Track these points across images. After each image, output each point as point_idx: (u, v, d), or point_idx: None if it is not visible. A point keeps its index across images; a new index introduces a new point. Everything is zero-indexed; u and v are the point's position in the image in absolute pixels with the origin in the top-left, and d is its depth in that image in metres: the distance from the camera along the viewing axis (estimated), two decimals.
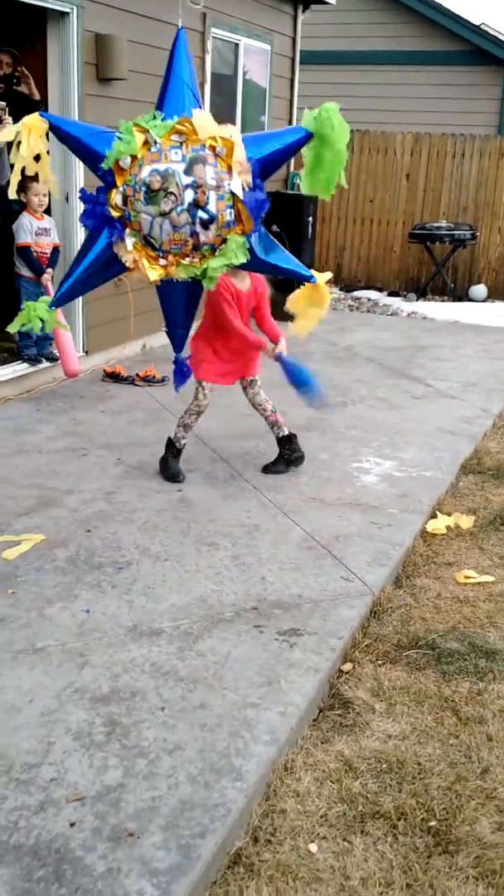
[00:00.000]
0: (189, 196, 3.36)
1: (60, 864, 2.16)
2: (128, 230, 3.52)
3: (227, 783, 2.45)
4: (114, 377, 6.53)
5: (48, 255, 6.11)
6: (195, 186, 3.35)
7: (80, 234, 6.35)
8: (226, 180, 3.43)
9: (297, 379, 4.67)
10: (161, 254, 3.52)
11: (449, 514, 4.50)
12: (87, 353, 6.72)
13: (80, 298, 6.51)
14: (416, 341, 8.65)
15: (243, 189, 3.53)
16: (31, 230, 6.01)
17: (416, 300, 10.96)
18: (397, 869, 2.29)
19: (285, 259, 3.96)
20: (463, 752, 2.75)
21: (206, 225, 3.44)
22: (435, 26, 12.44)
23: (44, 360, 6.24)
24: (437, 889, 2.24)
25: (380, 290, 11.55)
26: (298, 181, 11.00)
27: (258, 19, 8.76)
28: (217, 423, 5.57)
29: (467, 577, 3.88)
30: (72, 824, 2.29)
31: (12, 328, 3.90)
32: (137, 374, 6.53)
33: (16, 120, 3.76)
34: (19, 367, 6.10)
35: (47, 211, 6.21)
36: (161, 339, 7.72)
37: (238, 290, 4.47)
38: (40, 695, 2.81)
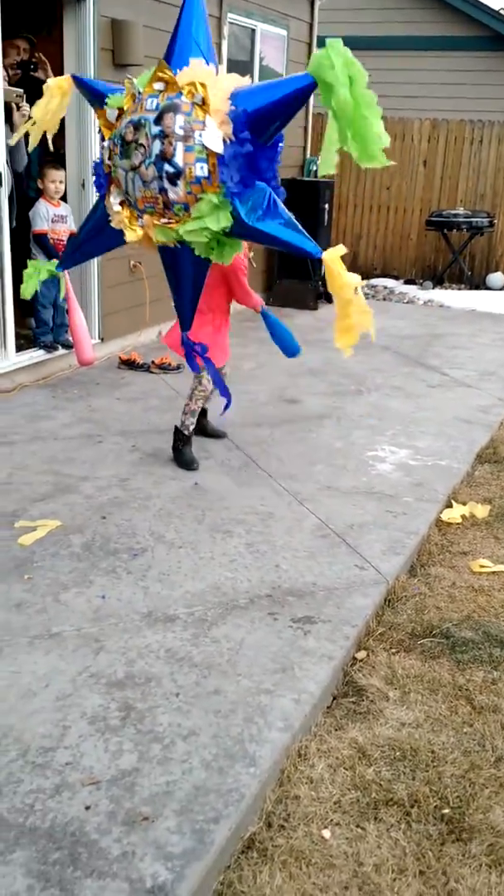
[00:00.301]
0: (156, 147, 3.01)
1: (76, 847, 2.18)
2: (113, 187, 3.28)
3: (240, 769, 2.46)
4: (129, 364, 6.54)
5: (65, 242, 6.11)
6: (162, 136, 3.01)
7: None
8: (197, 130, 3.04)
9: (280, 333, 4.59)
10: (139, 213, 3.24)
11: (464, 504, 4.48)
12: (102, 340, 6.72)
13: (96, 285, 6.53)
14: (433, 329, 8.61)
15: (225, 142, 3.09)
16: (48, 217, 6.02)
17: (433, 288, 10.90)
18: (410, 856, 2.30)
19: (285, 230, 3.41)
20: (477, 741, 2.75)
21: (172, 180, 3.08)
22: (453, 11, 12.31)
23: (60, 346, 6.26)
24: (450, 876, 2.24)
25: (396, 278, 11.49)
26: (315, 167, 10.89)
27: (275, 4, 8.70)
28: (232, 411, 5.55)
29: (482, 567, 3.87)
30: (87, 808, 2.31)
31: (25, 292, 3.82)
32: (153, 362, 6.53)
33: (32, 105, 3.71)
34: (35, 354, 6.11)
35: (64, 198, 6.20)
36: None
37: (241, 259, 4.48)
38: (56, 679, 2.83)
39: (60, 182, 6.05)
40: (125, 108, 3.16)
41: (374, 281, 11.31)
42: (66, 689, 2.78)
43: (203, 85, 3.07)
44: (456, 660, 3.17)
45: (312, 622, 3.23)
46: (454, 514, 4.38)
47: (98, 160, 3.42)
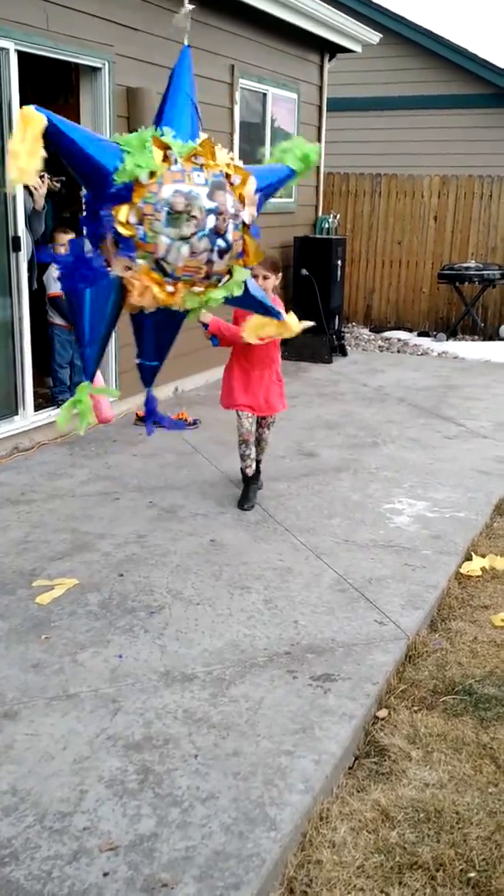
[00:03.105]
0: (210, 222, 3.15)
1: None
2: (139, 251, 3.20)
3: (261, 833, 2.42)
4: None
5: None
6: (217, 213, 3.15)
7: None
8: (241, 210, 3.26)
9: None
10: (171, 279, 3.24)
11: (483, 556, 4.45)
12: (119, 397, 6.78)
13: (113, 343, 6.61)
14: (447, 381, 8.63)
15: (252, 222, 3.39)
16: None
17: (447, 340, 10.96)
18: None
19: (263, 297, 3.89)
20: (502, 801, 2.68)
21: (221, 254, 3.25)
22: (460, 70, 12.59)
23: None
24: None
25: (409, 330, 11.57)
26: (327, 225, 11.08)
27: (285, 69, 8.94)
28: None
29: None
30: (105, 874, 2.27)
31: (60, 424, 3.50)
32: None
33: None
34: (54, 413, 6.17)
35: None
36: (193, 383, 7.80)
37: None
38: (73, 742, 2.80)
39: None
40: (159, 172, 3.13)
41: (387, 333, 11.39)
42: (84, 751, 2.75)
43: (237, 168, 3.29)
44: (479, 717, 3.12)
45: (332, 680, 3.19)
46: (474, 566, 4.34)
47: (102, 224, 3.22)
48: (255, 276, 4.53)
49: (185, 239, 3.13)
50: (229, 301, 3.55)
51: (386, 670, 3.30)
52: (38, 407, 6.07)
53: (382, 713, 3.12)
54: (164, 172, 3.12)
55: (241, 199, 3.29)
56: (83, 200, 3.41)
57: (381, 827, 2.55)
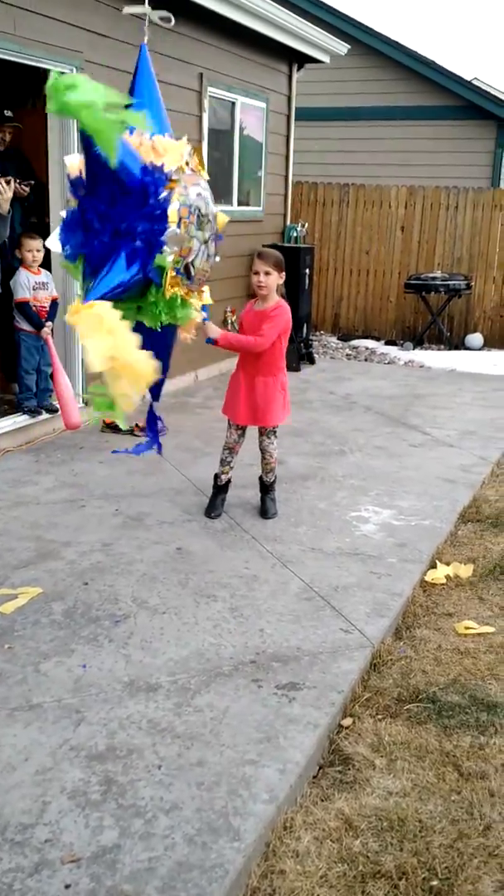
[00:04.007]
0: (213, 228, 3.14)
1: None
2: (172, 256, 2.99)
3: (224, 843, 2.41)
4: (113, 428, 6.55)
5: (47, 309, 6.18)
6: (214, 218, 3.16)
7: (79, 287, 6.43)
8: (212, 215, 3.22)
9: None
10: (190, 283, 3.09)
11: (448, 564, 4.48)
12: (86, 404, 6.74)
13: (80, 349, 6.58)
14: (414, 389, 8.70)
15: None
16: (29, 285, 6.09)
17: (413, 349, 11.06)
18: None
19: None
20: (465, 809, 2.70)
21: (211, 258, 3.24)
22: (428, 82, 12.74)
23: (43, 411, 6.28)
24: None
25: (377, 339, 11.65)
26: (295, 234, 11.10)
27: (254, 78, 8.97)
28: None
29: (467, 628, 3.86)
30: (67, 886, 2.24)
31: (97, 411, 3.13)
32: (137, 425, 6.55)
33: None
34: (19, 419, 6.13)
35: (46, 265, 6.29)
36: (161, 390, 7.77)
37: (256, 312, 4.68)
38: (35, 753, 2.77)
39: (38, 251, 6.14)
40: (180, 176, 2.98)
41: (355, 342, 11.46)
42: (46, 762, 2.72)
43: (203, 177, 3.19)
44: (443, 725, 3.14)
45: (297, 689, 3.20)
46: (438, 574, 4.37)
47: (156, 213, 2.93)
48: (255, 273, 4.54)
49: (206, 242, 3.08)
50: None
51: (351, 679, 3.31)
52: (3, 413, 6.01)
53: (347, 722, 3.13)
54: (182, 175, 2.98)
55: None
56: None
57: (345, 836, 2.56)
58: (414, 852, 2.50)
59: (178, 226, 2.90)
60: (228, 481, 4.99)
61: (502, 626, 3.90)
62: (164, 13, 3.44)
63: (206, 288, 3.38)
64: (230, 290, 9.10)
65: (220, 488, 4.97)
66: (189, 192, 2.95)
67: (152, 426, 3.82)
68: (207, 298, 3.42)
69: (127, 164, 2.87)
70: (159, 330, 3.14)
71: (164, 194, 2.90)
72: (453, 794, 2.77)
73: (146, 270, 2.96)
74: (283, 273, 4.66)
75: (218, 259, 3.34)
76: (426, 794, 2.76)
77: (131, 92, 3.21)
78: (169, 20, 3.44)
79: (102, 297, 2.89)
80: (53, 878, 2.27)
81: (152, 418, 3.83)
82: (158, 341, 3.20)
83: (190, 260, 3.01)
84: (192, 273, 3.07)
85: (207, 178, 3.24)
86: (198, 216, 2.96)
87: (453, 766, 2.91)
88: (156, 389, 3.65)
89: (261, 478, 5.03)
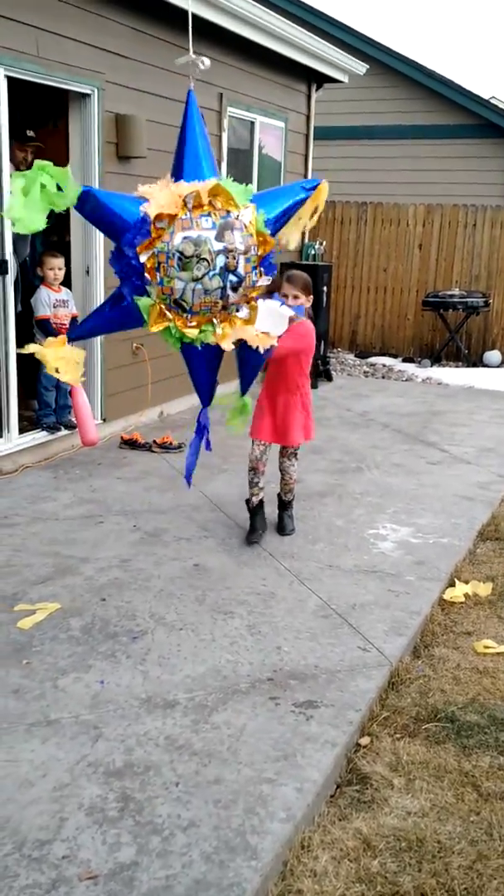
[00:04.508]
0: (220, 261, 3.41)
1: None
2: (155, 294, 3.49)
3: (242, 862, 2.40)
4: (131, 444, 6.59)
5: (67, 326, 6.23)
6: (226, 252, 3.41)
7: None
8: (252, 244, 3.50)
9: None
10: (190, 315, 3.52)
11: (467, 582, 4.46)
12: (104, 420, 6.79)
13: (99, 367, 6.63)
14: (431, 407, 8.69)
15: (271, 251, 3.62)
16: (49, 303, 6.15)
17: (431, 366, 11.04)
18: None
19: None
20: (484, 830, 2.68)
21: (235, 288, 3.50)
22: (445, 101, 12.79)
23: (62, 427, 6.32)
24: None
25: (394, 356, 11.65)
26: (313, 252, 11.14)
27: (273, 98, 9.05)
28: (233, 489, 5.59)
29: (486, 647, 3.83)
30: None
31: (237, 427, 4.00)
32: (154, 441, 6.58)
33: None
34: (38, 436, 6.17)
35: (67, 283, 6.35)
36: (178, 406, 7.81)
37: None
38: (53, 768, 2.77)
39: (60, 269, 6.20)
40: (175, 217, 3.38)
41: (372, 359, 11.47)
42: (64, 778, 2.73)
43: (247, 208, 3.48)
44: (461, 745, 3.11)
45: (315, 707, 3.19)
46: (457, 592, 4.35)
47: (132, 263, 3.46)
48: (284, 296, 4.56)
49: (197, 279, 3.38)
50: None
51: (369, 697, 3.29)
52: (22, 430, 6.06)
53: (365, 741, 3.11)
54: (175, 222, 3.37)
55: (258, 235, 3.51)
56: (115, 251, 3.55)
57: (363, 856, 2.54)
58: (433, 873, 2.48)
59: (158, 270, 3.40)
60: (261, 502, 4.90)
61: None
62: (206, 60, 3.72)
63: (243, 311, 3.60)
64: None
65: (255, 511, 4.86)
66: (174, 238, 3.35)
67: (200, 429, 4.10)
68: (247, 333, 3.63)
69: (125, 218, 3.38)
70: (199, 348, 3.62)
71: (142, 244, 3.38)
72: (472, 815, 2.74)
73: (129, 310, 3.56)
74: (311, 296, 4.67)
75: (263, 280, 3.60)
76: (445, 815, 2.74)
77: (181, 137, 3.56)
78: (204, 63, 3.74)
79: (78, 337, 3.81)
80: (71, 894, 2.27)
81: (201, 422, 4.09)
82: (199, 356, 3.73)
83: (177, 297, 3.44)
84: (188, 306, 3.45)
85: (227, 210, 3.44)
86: (178, 259, 3.36)
87: (472, 786, 2.88)
88: (205, 396, 4.01)
89: (279, 494, 5.03)
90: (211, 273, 3.39)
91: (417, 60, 12.86)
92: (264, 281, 3.59)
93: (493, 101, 13.35)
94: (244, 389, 4.07)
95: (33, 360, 6.43)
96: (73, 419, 6.02)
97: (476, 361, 11.26)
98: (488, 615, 4.17)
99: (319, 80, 9.91)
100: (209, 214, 3.41)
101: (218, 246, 3.37)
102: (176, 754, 2.86)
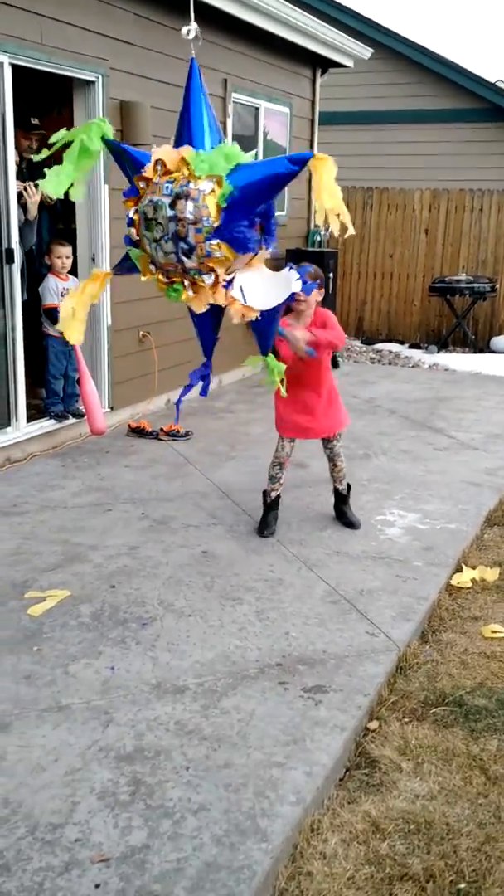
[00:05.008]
0: (171, 228, 3.47)
1: None
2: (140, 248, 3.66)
3: (252, 844, 2.43)
4: (138, 432, 6.60)
5: None
6: (176, 220, 3.45)
7: (107, 293, 6.50)
8: (205, 216, 3.46)
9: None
10: (163, 273, 3.62)
11: (474, 568, 4.47)
12: (112, 408, 6.80)
13: (106, 355, 6.64)
14: (438, 393, 8.68)
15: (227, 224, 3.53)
16: (57, 291, 6.15)
17: (438, 352, 11.02)
18: None
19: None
20: (492, 812, 2.70)
21: (187, 254, 3.52)
22: (451, 85, 12.70)
23: (70, 416, 6.33)
24: None
25: (401, 342, 11.63)
26: (319, 238, 11.07)
27: (277, 83, 9.00)
28: (241, 476, 5.60)
29: (494, 632, 3.85)
30: (97, 886, 2.27)
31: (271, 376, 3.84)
32: (162, 429, 6.60)
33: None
34: (46, 424, 6.19)
35: (73, 272, 6.35)
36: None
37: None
38: (65, 753, 2.80)
39: (67, 257, 6.21)
40: (151, 180, 3.50)
41: (379, 345, 11.45)
42: (76, 763, 2.76)
43: (209, 179, 3.44)
44: (469, 728, 3.13)
45: (324, 691, 3.21)
46: (464, 578, 4.36)
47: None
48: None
49: (156, 241, 3.48)
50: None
51: (377, 682, 3.31)
52: (30, 418, 6.07)
53: (373, 725, 3.13)
54: (150, 184, 3.46)
55: (216, 208, 3.45)
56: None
57: (372, 838, 2.56)
58: (441, 855, 2.50)
59: (134, 226, 3.51)
60: (278, 497, 4.86)
61: None
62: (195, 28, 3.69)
63: (209, 278, 3.58)
64: None
65: (271, 505, 4.82)
66: (143, 199, 3.48)
67: (198, 373, 4.02)
68: (218, 299, 3.59)
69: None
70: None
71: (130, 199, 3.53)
72: (480, 798, 2.77)
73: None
74: (323, 289, 4.60)
75: (269, 250, 3.62)
76: (453, 798, 2.76)
77: (185, 105, 3.60)
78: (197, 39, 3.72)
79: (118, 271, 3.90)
80: (83, 877, 2.30)
81: (204, 367, 4.02)
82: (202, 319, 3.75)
83: (150, 254, 3.55)
84: (158, 264, 3.55)
85: (187, 179, 3.43)
86: (144, 219, 3.48)
87: (480, 769, 2.90)
88: (206, 350, 3.96)
89: (337, 490, 4.96)
90: (165, 237, 3.46)
91: (423, 44, 12.77)
92: (221, 252, 3.51)
93: (499, 83, 13.25)
94: (263, 352, 3.99)
95: (41, 348, 6.46)
96: (81, 407, 6.04)
97: (483, 347, 11.22)
98: (496, 600, 4.18)
99: (324, 65, 9.85)
100: (172, 182, 3.46)
101: (171, 213, 3.42)
102: (186, 739, 2.89)
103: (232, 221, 3.52)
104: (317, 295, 4.55)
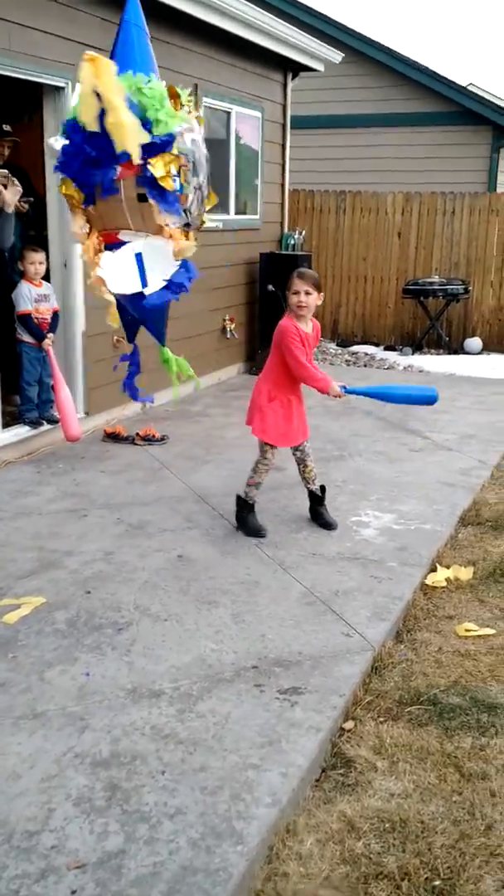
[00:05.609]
0: (206, 168, 3.13)
1: None
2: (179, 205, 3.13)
3: (228, 847, 2.43)
4: (114, 437, 6.59)
5: (49, 321, 6.22)
6: (208, 159, 3.16)
7: (80, 299, 6.49)
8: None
9: (395, 397, 4.86)
10: (188, 229, 3.18)
11: (448, 567, 4.51)
12: (87, 414, 6.79)
13: (81, 361, 6.63)
14: None
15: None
16: (31, 298, 6.14)
17: (412, 354, 11.09)
18: None
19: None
20: (466, 810, 2.72)
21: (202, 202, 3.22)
22: (423, 88, 12.80)
23: (45, 422, 6.31)
24: None
25: (376, 344, 11.69)
26: (293, 241, 11.11)
27: (248, 87, 9.03)
28: (217, 480, 5.61)
29: (468, 630, 3.88)
30: (73, 892, 2.27)
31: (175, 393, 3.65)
32: (137, 434, 6.60)
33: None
34: (21, 431, 6.16)
35: (46, 277, 6.34)
36: (161, 398, 7.81)
37: (306, 333, 4.63)
38: (41, 760, 2.80)
39: (41, 263, 6.19)
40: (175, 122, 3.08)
41: (354, 348, 11.51)
42: (51, 769, 2.75)
43: (201, 121, 3.21)
44: (444, 727, 3.16)
45: (299, 693, 3.22)
46: (439, 577, 4.40)
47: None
48: (296, 293, 4.54)
49: (199, 188, 3.11)
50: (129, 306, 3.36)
51: (352, 682, 3.33)
52: (5, 425, 6.05)
53: (349, 725, 3.15)
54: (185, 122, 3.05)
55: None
56: (62, 150, 3.20)
57: (347, 838, 2.58)
58: (416, 853, 2.52)
59: (178, 175, 2.99)
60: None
61: (503, 627, 3.92)
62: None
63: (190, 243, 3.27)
64: (230, 299, 9.16)
65: (252, 507, 4.87)
66: (185, 139, 3.02)
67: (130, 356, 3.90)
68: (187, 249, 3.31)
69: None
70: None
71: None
72: (455, 795, 2.79)
73: None
74: (322, 294, 4.69)
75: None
76: (428, 796, 2.78)
77: (124, 40, 3.32)
78: None
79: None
80: (59, 883, 2.30)
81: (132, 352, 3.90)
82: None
83: (187, 207, 3.08)
84: (191, 221, 3.12)
85: (198, 115, 3.18)
86: (193, 163, 3.03)
87: (455, 767, 2.93)
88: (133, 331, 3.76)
89: (312, 492, 4.98)
90: (203, 181, 3.13)
91: (394, 48, 12.87)
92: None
93: (470, 87, 13.40)
94: (159, 339, 3.75)
95: (14, 354, 6.43)
96: (56, 414, 6.03)
97: (457, 349, 11.31)
98: (469, 599, 4.22)
99: (295, 69, 9.90)
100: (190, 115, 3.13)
101: (206, 152, 3.12)
102: (162, 743, 2.89)
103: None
104: (317, 300, 4.63)
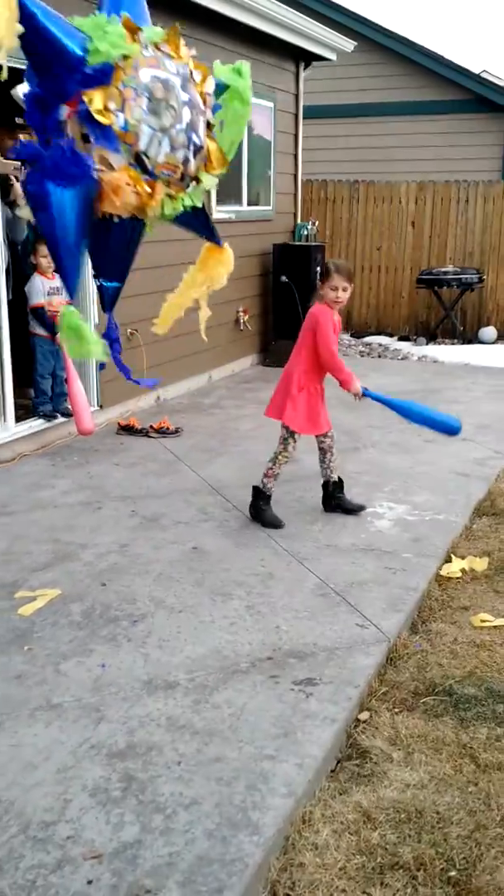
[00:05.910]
0: (186, 115, 2.87)
1: None
2: (120, 143, 2.83)
3: (244, 837, 2.44)
4: (128, 430, 6.61)
5: None
6: (191, 106, 2.88)
7: (93, 290, 6.49)
8: (205, 109, 2.98)
9: (414, 416, 4.79)
10: (149, 177, 2.90)
11: (463, 558, 4.49)
12: (101, 407, 6.81)
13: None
14: (428, 384, 8.70)
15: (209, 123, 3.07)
16: (44, 291, 6.15)
17: (427, 344, 11.05)
18: None
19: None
20: (482, 800, 2.72)
21: (195, 153, 2.96)
22: (436, 76, 12.71)
23: (59, 415, 6.33)
24: None
25: (390, 335, 11.65)
26: (306, 232, 11.08)
27: (261, 78, 8.99)
28: (231, 472, 5.61)
29: (483, 621, 3.87)
30: (89, 882, 2.28)
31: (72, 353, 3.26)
32: (151, 426, 6.61)
33: None
34: (35, 424, 6.19)
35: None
36: (175, 391, 7.82)
37: (335, 323, 4.69)
38: (56, 751, 2.81)
39: None
40: (133, 56, 2.82)
41: (368, 339, 11.47)
42: (67, 761, 2.77)
43: (200, 65, 3.01)
44: (459, 717, 3.15)
45: (314, 684, 3.22)
46: (453, 568, 4.38)
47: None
48: (334, 288, 4.60)
49: (165, 130, 2.84)
50: (181, 218, 3.12)
51: (367, 673, 3.33)
52: (19, 418, 6.07)
53: (364, 716, 3.15)
54: (138, 57, 2.81)
55: (203, 98, 3.00)
56: (24, 97, 2.94)
57: (363, 828, 2.58)
58: (432, 843, 2.52)
59: (122, 111, 2.77)
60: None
61: None
62: None
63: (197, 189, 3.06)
64: (242, 290, 9.15)
65: (269, 498, 4.88)
66: (140, 73, 2.78)
67: (112, 336, 3.45)
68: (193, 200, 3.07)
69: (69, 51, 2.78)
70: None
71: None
72: (470, 786, 2.78)
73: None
74: (353, 284, 4.78)
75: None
76: (443, 786, 2.78)
77: None
78: None
79: None
80: (75, 874, 2.31)
81: (111, 328, 3.45)
82: (129, 241, 3.07)
83: (141, 149, 2.83)
84: (151, 165, 2.86)
85: (188, 61, 2.95)
86: (148, 99, 2.78)
87: (470, 757, 2.93)
88: (109, 296, 3.30)
89: (332, 482, 5.00)
90: (178, 126, 2.85)
91: (407, 36, 12.77)
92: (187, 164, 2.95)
93: (484, 74, 13.26)
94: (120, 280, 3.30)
95: (28, 348, 6.45)
96: (70, 406, 6.04)
97: (472, 338, 11.26)
98: (485, 589, 4.20)
99: (307, 58, 9.86)
100: (171, 58, 2.90)
101: (184, 96, 2.86)
102: (177, 734, 2.90)
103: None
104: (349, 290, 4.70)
